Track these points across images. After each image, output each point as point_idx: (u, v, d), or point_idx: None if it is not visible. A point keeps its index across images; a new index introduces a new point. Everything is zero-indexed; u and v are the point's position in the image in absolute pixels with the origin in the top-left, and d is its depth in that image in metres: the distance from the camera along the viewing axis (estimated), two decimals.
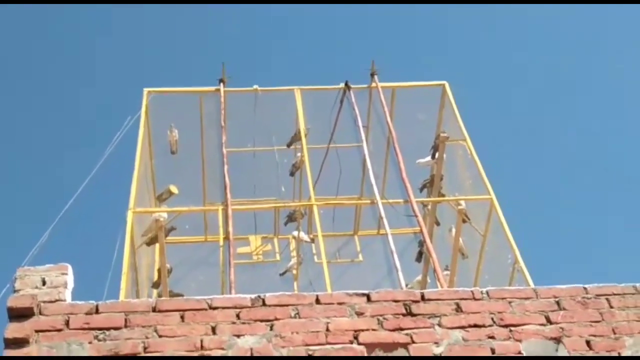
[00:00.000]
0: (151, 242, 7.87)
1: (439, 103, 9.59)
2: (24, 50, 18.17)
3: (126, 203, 7.81)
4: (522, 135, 19.03)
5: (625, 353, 3.79)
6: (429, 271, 8.70)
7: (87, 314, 3.95)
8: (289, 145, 9.61)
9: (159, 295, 8.02)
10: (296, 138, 9.44)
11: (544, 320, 3.92)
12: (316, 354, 3.77)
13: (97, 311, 3.97)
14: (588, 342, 3.84)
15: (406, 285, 7.40)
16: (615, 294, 4.05)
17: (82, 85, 18.44)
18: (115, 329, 3.90)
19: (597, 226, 18.52)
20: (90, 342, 3.83)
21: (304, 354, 3.78)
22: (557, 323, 3.91)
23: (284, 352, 3.78)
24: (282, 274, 9.28)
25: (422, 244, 8.43)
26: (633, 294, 4.07)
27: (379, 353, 3.84)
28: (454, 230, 8.59)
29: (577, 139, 19.28)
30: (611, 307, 4.00)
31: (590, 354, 3.78)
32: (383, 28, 19.14)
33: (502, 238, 7.91)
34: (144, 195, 8.67)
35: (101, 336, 3.86)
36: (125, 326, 3.91)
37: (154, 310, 3.97)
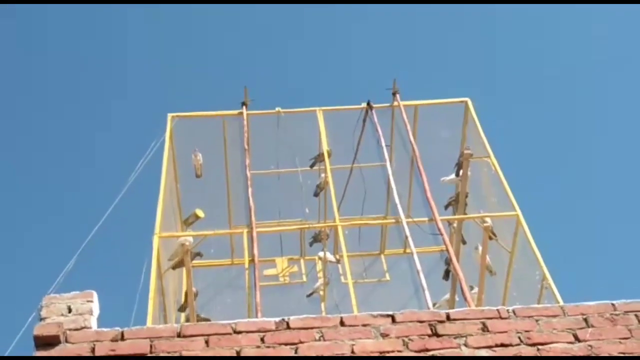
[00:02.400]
0: (177, 266, 7.90)
1: (462, 120, 9.56)
2: (47, 72, 18.43)
3: (152, 228, 7.86)
4: (547, 150, 18.89)
5: None
6: (456, 289, 8.63)
7: (112, 340, 3.96)
8: (312, 166, 9.62)
9: (187, 319, 8.04)
10: (319, 159, 9.45)
11: (572, 339, 3.86)
12: None
13: (122, 338, 3.98)
14: None
15: (434, 305, 7.35)
16: None
17: (108, 110, 18.65)
18: (141, 355, 3.90)
19: (626, 241, 18.28)
20: None
21: None
22: (585, 341, 3.84)
23: None
24: (309, 295, 9.26)
25: (448, 262, 8.37)
26: None
27: None
28: (480, 248, 8.52)
29: (605, 154, 19.10)
30: None
31: None
32: (404, 46, 19.17)
33: (530, 255, 7.83)
34: (169, 220, 8.72)
35: None
36: (151, 352, 3.92)
37: (178, 335, 3.97)
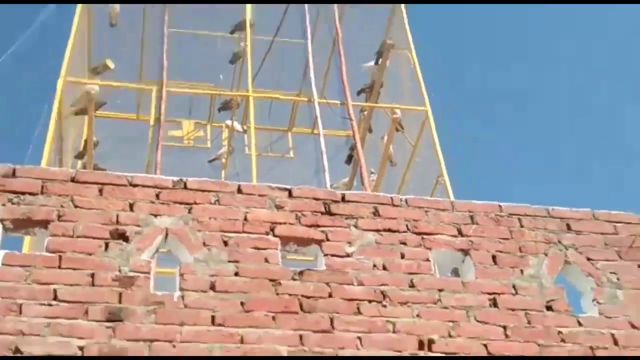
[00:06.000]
0: (80, 112, 7.72)
1: (391, 9, 9.49)
2: None
3: (58, 71, 7.60)
4: (469, 54, 19.06)
5: (528, 272, 3.93)
6: (357, 174, 8.80)
7: (3, 176, 3.86)
8: (232, 33, 9.42)
9: (84, 167, 7.93)
10: (241, 27, 9.25)
11: (455, 232, 4.01)
12: (231, 242, 3.80)
13: (14, 174, 3.88)
14: (494, 257, 3.94)
15: (331, 186, 7.48)
16: (527, 215, 4.15)
17: None
18: (31, 194, 3.83)
19: (532, 154, 18.92)
20: (3, 205, 3.76)
21: (219, 240, 3.81)
22: (467, 236, 4.00)
23: (199, 236, 3.80)
24: (211, 161, 9.28)
25: (353, 147, 8.49)
26: (544, 216, 4.17)
27: (292, 247, 3.90)
28: (386, 137, 8.67)
29: (522, 59, 19.42)
30: (522, 226, 4.10)
31: (495, 268, 3.91)
32: None
33: (432, 151, 8.02)
34: (78, 67, 8.43)
35: (15, 200, 3.80)
36: (42, 193, 3.85)
37: (72, 180, 3.90)
